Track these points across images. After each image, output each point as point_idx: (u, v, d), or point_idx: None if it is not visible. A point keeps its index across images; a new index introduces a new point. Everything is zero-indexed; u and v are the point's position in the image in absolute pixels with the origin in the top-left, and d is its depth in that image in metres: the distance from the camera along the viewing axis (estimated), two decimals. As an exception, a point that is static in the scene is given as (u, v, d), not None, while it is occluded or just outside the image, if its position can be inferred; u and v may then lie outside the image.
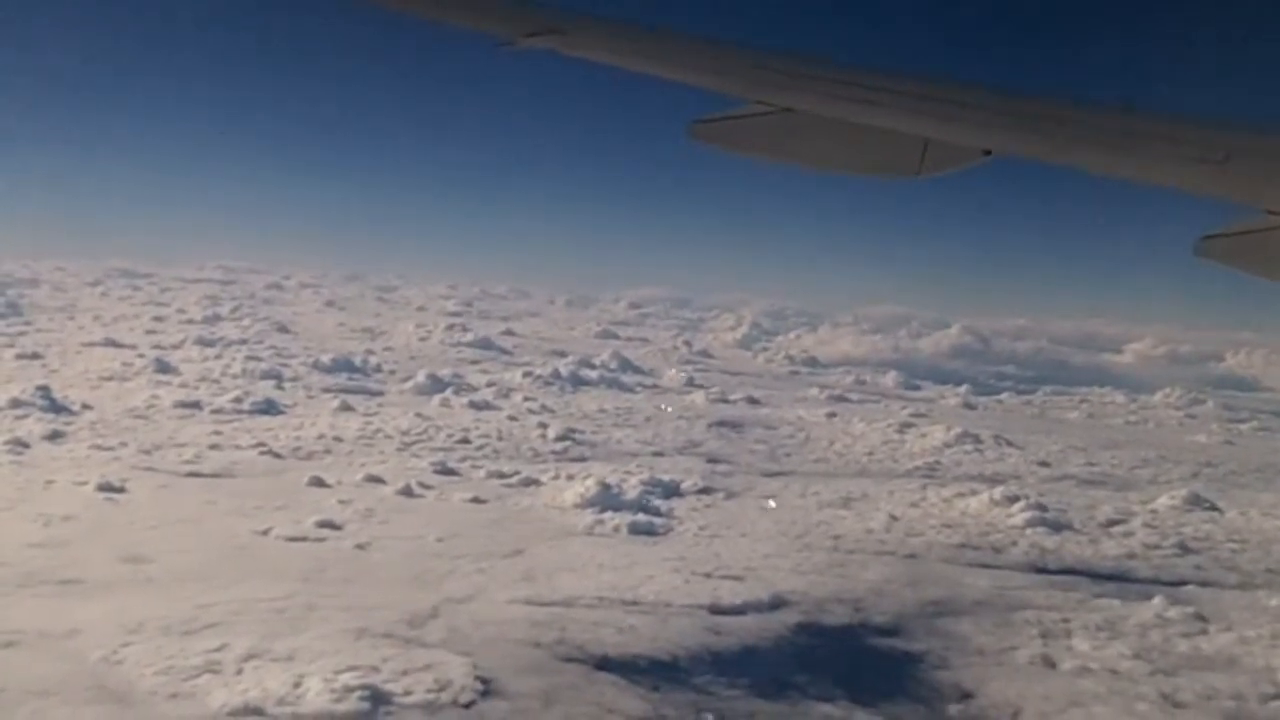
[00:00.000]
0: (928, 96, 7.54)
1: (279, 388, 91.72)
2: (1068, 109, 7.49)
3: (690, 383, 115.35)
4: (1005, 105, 7.49)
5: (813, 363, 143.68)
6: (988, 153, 7.33)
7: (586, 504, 59.59)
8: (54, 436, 67.56)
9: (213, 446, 68.91)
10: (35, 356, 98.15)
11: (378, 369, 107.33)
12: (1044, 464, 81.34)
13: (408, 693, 36.09)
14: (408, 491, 61.14)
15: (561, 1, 8.36)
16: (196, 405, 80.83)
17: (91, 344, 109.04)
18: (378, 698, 35.63)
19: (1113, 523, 62.50)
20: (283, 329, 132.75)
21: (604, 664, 40.10)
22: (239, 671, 36.61)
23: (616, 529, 56.65)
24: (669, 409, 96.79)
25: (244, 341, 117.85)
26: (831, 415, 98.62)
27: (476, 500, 60.94)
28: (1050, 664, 42.53)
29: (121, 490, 56.97)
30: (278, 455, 68.37)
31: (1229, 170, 6.76)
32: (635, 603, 46.13)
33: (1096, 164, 7.16)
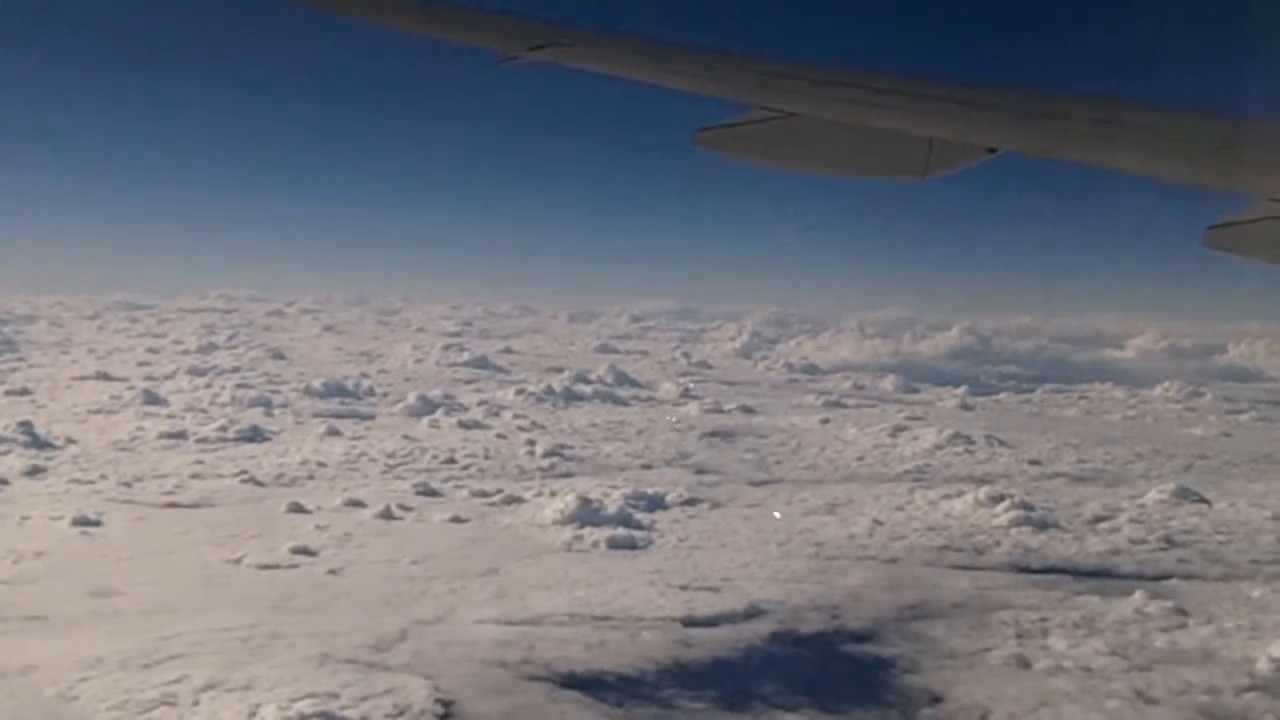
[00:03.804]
0: (931, 96, 7.55)
1: (267, 414, 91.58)
2: (1069, 103, 7.55)
3: (686, 394, 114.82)
4: (1008, 101, 7.49)
5: (812, 369, 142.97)
6: (993, 150, 7.36)
7: (566, 520, 59.08)
8: (34, 472, 67.23)
9: (194, 476, 68.60)
10: (24, 392, 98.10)
11: (370, 392, 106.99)
12: (1035, 462, 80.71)
13: (364, 719, 35.73)
14: (387, 514, 60.75)
15: (563, 14, 8.23)
16: (182, 435, 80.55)
17: (82, 378, 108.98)
18: (332, 725, 35.33)
19: (1099, 519, 61.92)
20: (278, 355, 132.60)
21: (569, 681, 39.67)
22: (195, 703, 36.26)
23: (595, 544, 56.19)
24: (671, 418, 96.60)
25: (236, 370, 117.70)
26: (825, 421, 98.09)
27: (456, 520, 60.57)
28: (1024, 664, 42.00)
29: (97, 524, 56.68)
30: (259, 483, 67.98)
31: (1232, 160, 6.80)
32: (607, 618, 45.67)
33: (1100, 157, 7.20)
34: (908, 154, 7.55)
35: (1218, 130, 7.09)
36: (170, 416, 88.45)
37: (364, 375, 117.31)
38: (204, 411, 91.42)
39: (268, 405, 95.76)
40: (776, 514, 62.62)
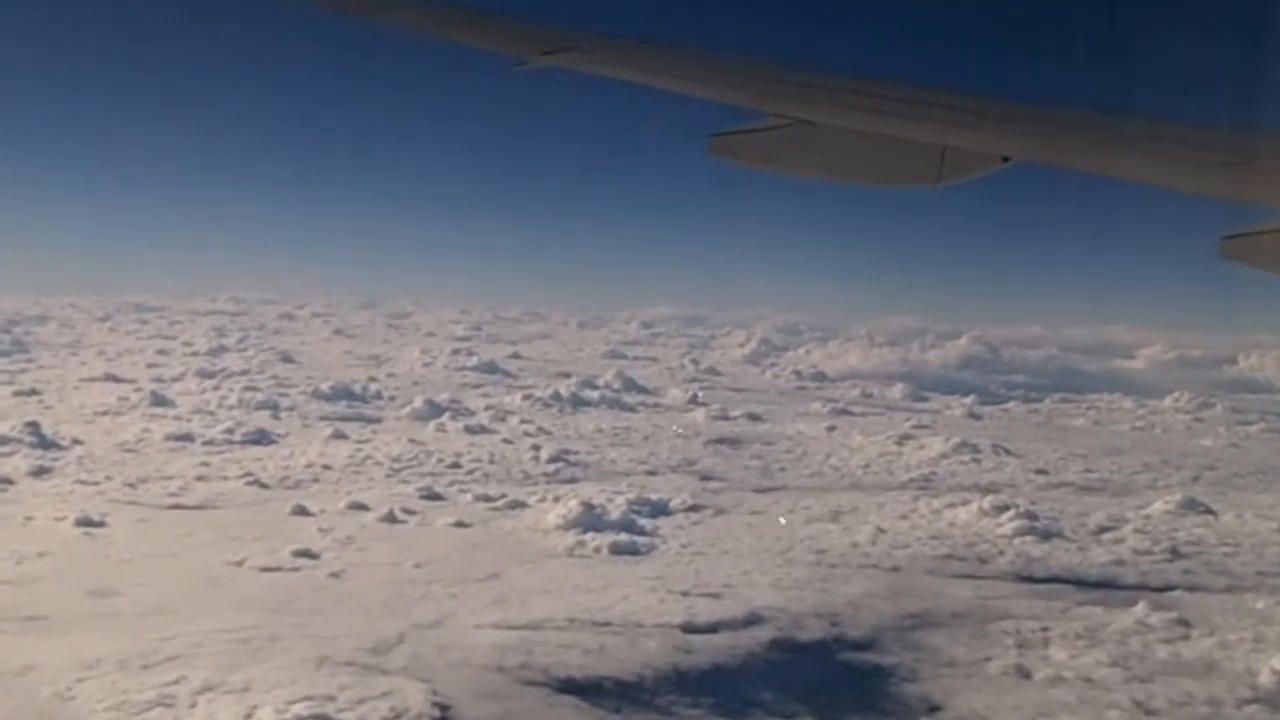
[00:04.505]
0: (945, 105, 7.63)
1: (275, 417, 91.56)
2: (1084, 115, 7.61)
3: (693, 400, 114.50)
4: (1022, 112, 7.57)
5: (820, 377, 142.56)
6: (1006, 159, 7.38)
7: (569, 525, 59.05)
8: (39, 472, 67.45)
9: (199, 478, 68.71)
10: (32, 393, 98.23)
11: (378, 396, 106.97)
12: (1042, 472, 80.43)
13: (361, 721, 35.77)
14: (391, 518, 60.83)
15: (576, 20, 8.33)
16: (188, 437, 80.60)
17: (91, 379, 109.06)
18: (328, 727, 35.34)
19: (1104, 529, 61.58)
20: (287, 359, 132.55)
21: (567, 687, 39.70)
22: (192, 705, 36.36)
23: (597, 550, 56.21)
24: (677, 426, 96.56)
25: (245, 372, 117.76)
26: (831, 429, 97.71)
27: (459, 524, 60.59)
28: (1024, 674, 41.93)
29: (100, 525, 56.82)
30: (264, 485, 68.09)
31: (1245, 173, 6.82)
32: (606, 624, 45.68)
33: (1113, 168, 7.20)
34: (921, 163, 7.58)
35: (1231, 143, 7.16)
36: (177, 418, 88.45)
37: (372, 379, 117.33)
38: (211, 414, 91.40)
39: (275, 408, 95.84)
40: (782, 519, 62.49)
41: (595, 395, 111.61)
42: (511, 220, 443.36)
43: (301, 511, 61.15)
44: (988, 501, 64.74)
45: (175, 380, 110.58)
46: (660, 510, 64.17)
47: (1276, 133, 7.05)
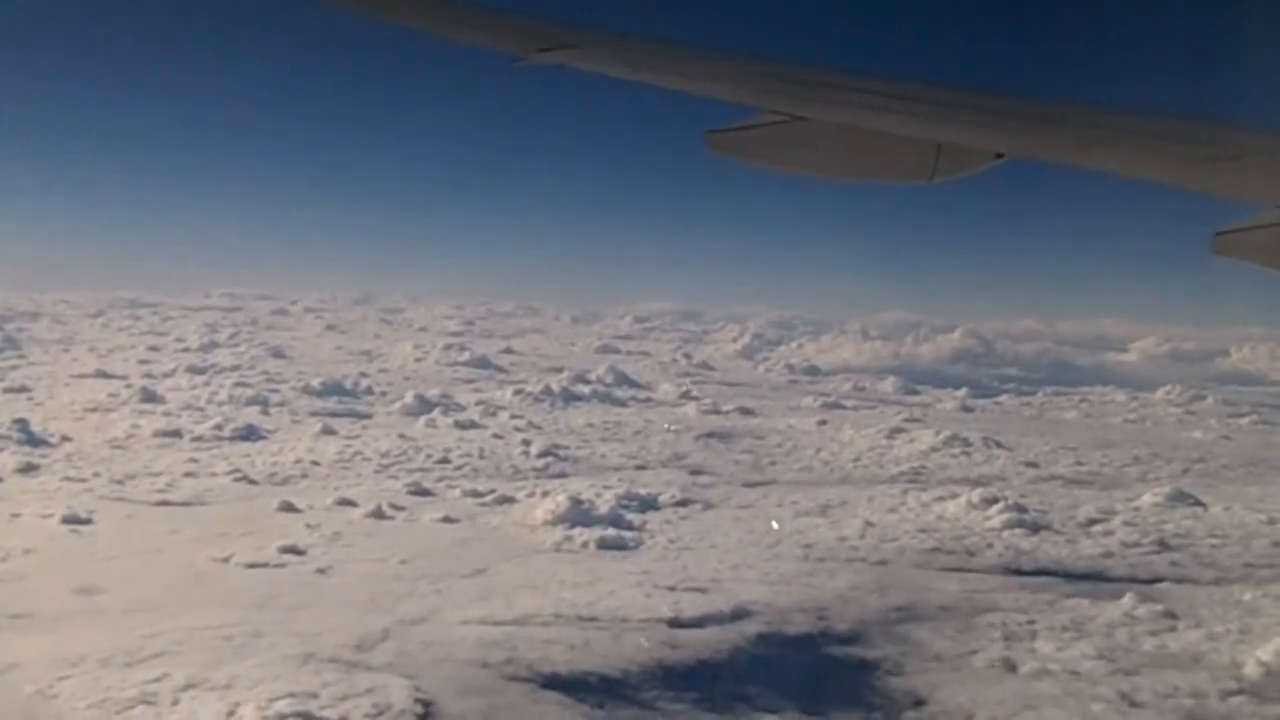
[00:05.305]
0: (940, 101, 7.66)
1: (264, 413, 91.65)
2: (1077, 110, 7.65)
3: (685, 395, 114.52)
4: (1016, 108, 7.59)
5: (813, 371, 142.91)
6: (1000, 155, 7.39)
7: (556, 520, 58.94)
8: (27, 469, 67.25)
9: (187, 474, 68.49)
10: (22, 390, 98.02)
11: (368, 391, 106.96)
12: (1032, 465, 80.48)
13: (343, 718, 35.59)
14: (378, 514, 60.66)
15: (574, 16, 8.28)
16: (177, 434, 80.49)
17: (82, 375, 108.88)
18: (310, 724, 35.22)
19: (1093, 522, 61.62)
20: (278, 354, 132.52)
21: (551, 682, 39.52)
22: (175, 702, 36.15)
23: (585, 545, 56.08)
24: (669, 422, 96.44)
25: (236, 368, 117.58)
26: (822, 423, 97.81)
27: (447, 520, 60.46)
28: (1010, 667, 41.80)
29: (87, 522, 56.57)
30: (252, 481, 67.92)
31: (1239, 168, 6.85)
32: (592, 619, 45.50)
33: (1107, 164, 7.22)
34: (916, 158, 7.59)
35: (1224, 138, 7.14)
36: (167, 414, 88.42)
37: (363, 374, 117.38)
38: (201, 410, 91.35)
39: (265, 404, 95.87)
40: (775, 524, 62.30)
41: (587, 390, 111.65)
42: (507, 216, 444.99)
43: (289, 508, 61.03)
44: (977, 495, 64.72)
45: (166, 376, 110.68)
46: (649, 505, 64.09)
47: (1269, 127, 7.01)
